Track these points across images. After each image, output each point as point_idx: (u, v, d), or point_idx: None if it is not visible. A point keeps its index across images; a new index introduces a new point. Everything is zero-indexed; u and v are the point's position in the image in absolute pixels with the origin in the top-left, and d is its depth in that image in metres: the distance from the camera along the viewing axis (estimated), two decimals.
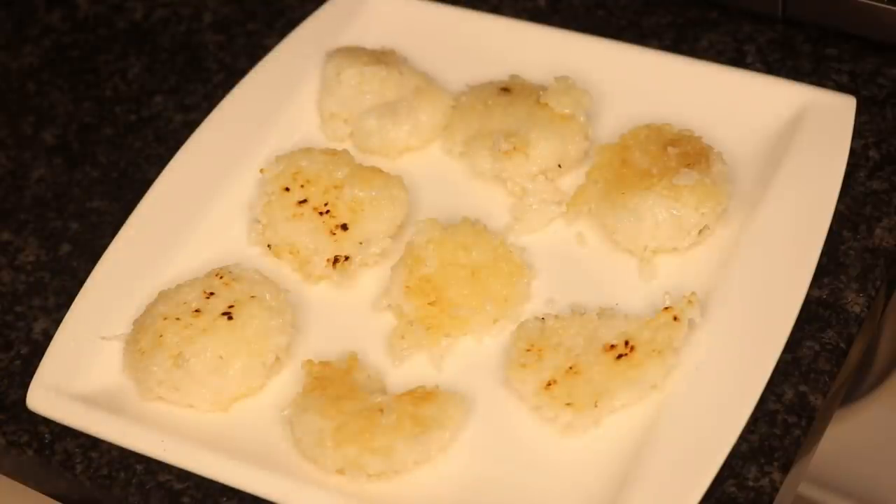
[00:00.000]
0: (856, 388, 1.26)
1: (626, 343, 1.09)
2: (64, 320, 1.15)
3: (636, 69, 1.28)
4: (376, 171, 1.22)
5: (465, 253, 1.16)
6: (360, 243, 1.19)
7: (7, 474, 1.17)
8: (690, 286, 1.13)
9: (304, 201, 1.20)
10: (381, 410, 1.07)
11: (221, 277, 1.15)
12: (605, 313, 1.12)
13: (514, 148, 1.22)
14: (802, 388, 1.09)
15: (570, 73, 1.26)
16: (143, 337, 1.12)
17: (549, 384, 1.08)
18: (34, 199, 1.32)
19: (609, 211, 1.18)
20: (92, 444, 1.12)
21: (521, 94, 1.26)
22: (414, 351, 1.14)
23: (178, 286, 1.16)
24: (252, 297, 1.14)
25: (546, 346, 1.10)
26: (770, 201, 1.16)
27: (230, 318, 1.12)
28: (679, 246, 1.17)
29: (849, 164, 1.18)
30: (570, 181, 1.24)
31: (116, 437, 1.09)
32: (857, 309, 1.13)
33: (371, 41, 1.34)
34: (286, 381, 1.13)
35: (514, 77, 1.29)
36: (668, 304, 1.11)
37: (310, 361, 1.12)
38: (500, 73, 1.30)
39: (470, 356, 1.14)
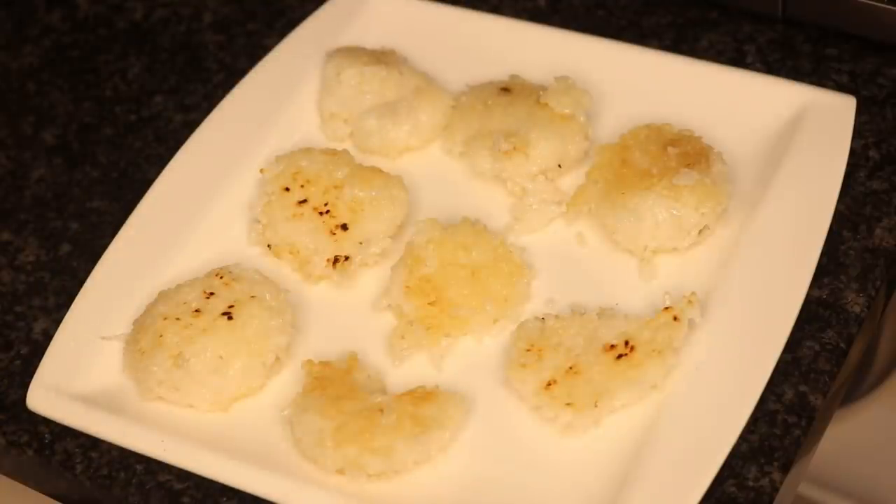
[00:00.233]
0: (856, 388, 1.26)
1: (626, 343, 1.09)
2: (64, 320, 1.15)
3: (636, 69, 1.28)
4: (376, 171, 1.22)
5: (465, 253, 1.16)
6: (360, 243, 1.19)
7: (7, 474, 1.17)
8: (690, 286, 1.13)
9: (304, 201, 1.20)
10: (381, 410, 1.07)
11: (221, 277, 1.15)
12: (605, 313, 1.12)
13: (514, 148, 1.22)
14: (802, 388, 1.09)
15: (570, 73, 1.26)
16: (143, 337, 1.12)
17: (549, 384, 1.08)
18: (34, 199, 1.32)
19: (609, 211, 1.18)
20: (92, 444, 1.12)
21: (521, 94, 1.26)
22: (414, 351, 1.14)
23: (178, 286, 1.16)
24: (252, 297, 1.14)
25: (546, 346, 1.10)
26: (770, 201, 1.16)
27: (230, 318, 1.12)
28: (679, 246, 1.17)
29: (849, 164, 1.18)
30: (570, 181, 1.24)
31: (116, 437, 1.09)
32: (857, 309, 1.13)
33: (371, 41, 1.34)
34: (286, 381, 1.13)
35: (514, 77, 1.29)
36: (668, 304, 1.11)
37: (310, 361, 1.12)
38: (500, 73, 1.30)
39: (470, 356, 1.14)
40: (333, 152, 1.23)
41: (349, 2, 1.37)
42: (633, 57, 1.29)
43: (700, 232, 1.16)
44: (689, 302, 1.10)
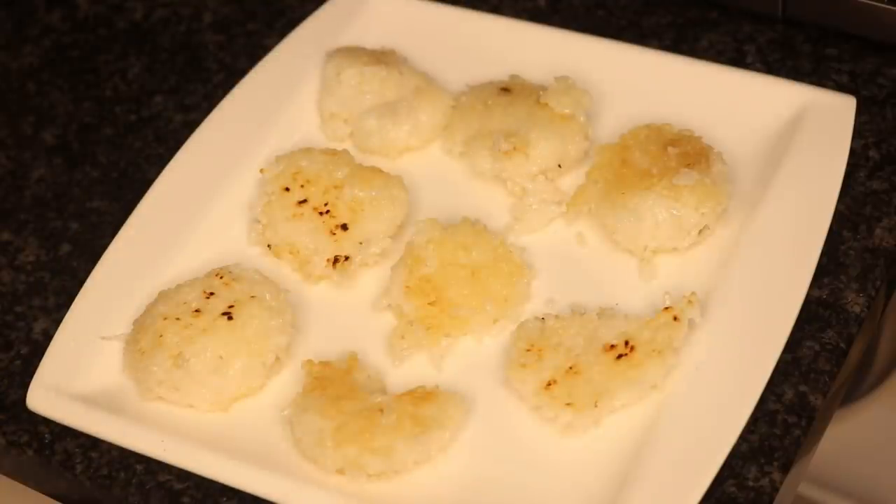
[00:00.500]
0: (856, 388, 1.26)
1: (626, 343, 1.09)
2: (64, 320, 1.15)
3: (636, 69, 1.28)
4: (376, 171, 1.22)
5: (465, 253, 1.16)
6: (360, 243, 1.19)
7: (7, 474, 1.17)
8: (690, 286, 1.13)
9: (304, 201, 1.20)
10: (381, 410, 1.07)
11: (221, 277, 1.15)
12: (605, 313, 1.12)
13: (514, 148, 1.22)
14: (802, 388, 1.09)
15: (570, 73, 1.26)
16: (143, 337, 1.12)
17: (549, 384, 1.08)
18: (34, 199, 1.32)
19: (609, 211, 1.18)
20: (92, 444, 1.12)
21: (521, 94, 1.26)
22: (414, 351, 1.14)
23: (178, 286, 1.16)
24: (252, 297, 1.14)
25: (546, 346, 1.10)
26: (770, 201, 1.16)
27: (230, 318, 1.12)
28: (679, 246, 1.17)
29: (849, 164, 1.18)
30: (570, 181, 1.24)
31: (116, 437, 1.09)
32: (857, 309, 1.13)
33: (371, 41, 1.34)
34: (286, 381, 1.13)
35: (514, 77, 1.29)
36: (668, 304, 1.11)
37: (310, 361, 1.12)
38: (500, 73, 1.30)
39: (470, 356, 1.14)
40: (333, 152, 1.23)
41: (349, 2, 1.37)
42: (633, 57, 1.29)
43: (700, 232, 1.16)
44: (689, 302, 1.10)
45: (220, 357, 1.10)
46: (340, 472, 1.05)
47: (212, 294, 1.14)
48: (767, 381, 1.05)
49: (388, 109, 1.28)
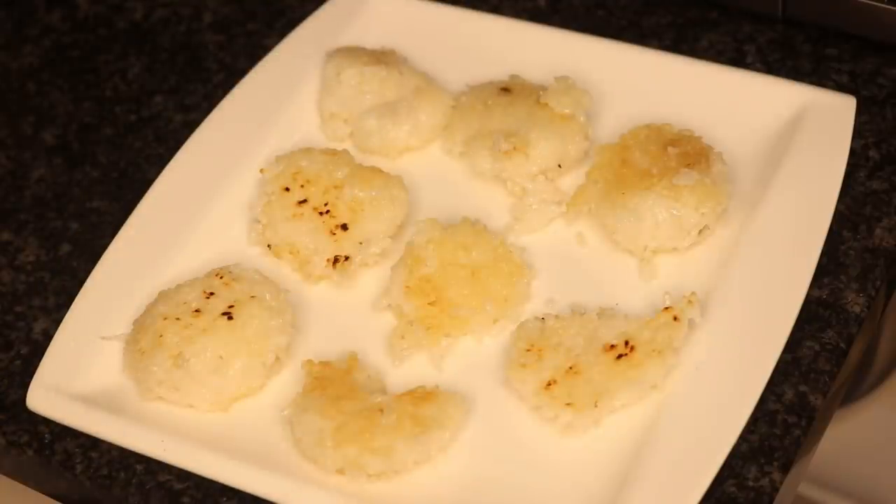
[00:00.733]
0: (856, 388, 1.26)
1: (626, 343, 1.09)
2: (64, 320, 1.15)
3: (636, 69, 1.28)
4: (376, 171, 1.22)
5: (465, 253, 1.16)
6: (360, 243, 1.19)
7: (7, 474, 1.17)
8: (690, 286, 1.13)
9: (304, 201, 1.20)
10: (381, 410, 1.07)
11: (221, 277, 1.15)
12: (605, 313, 1.12)
13: (514, 148, 1.22)
14: (802, 388, 1.09)
15: (570, 73, 1.26)
16: (143, 337, 1.12)
17: (549, 384, 1.08)
18: (34, 199, 1.32)
19: (609, 211, 1.18)
20: (92, 444, 1.12)
21: (521, 94, 1.26)
22: (414, 351, 1.14)
23: (178, 286, 1.16)
24: (252, 297, 1.14)
25: (546, 346, 1.10)
26: (770, 201, 1.16)
27: (230, 318, 1.12)
28: (679, 246, 1.17)
29: (849, 164, 1.18)
30: (570, 181, 1.24)
31: (116, 437, 1.09)
32: (857, 309, 1.13)
33: (371, 41, 1.34)
34: (286, 381, 1.13)
35: (514, 77, 1.29)
36: (668, 304, 1.11)
37: (310, 361, 1.12)
38: (500, 73, 1.30)
39: (470, 356, 1.14)
40: (333, 152, 1.23)
41: (349, 2, 1.37)
42: (633, 57, 1.29)
43: (700, 232, 1.16)
44: (689, 302, 1.10)
45: (220, 357, 1.10)
46: (340, 472, 1.05)
47: (212, 294, 1.14)
48: (767, 381, 1.05)
49: (388, 109, 1.28)
